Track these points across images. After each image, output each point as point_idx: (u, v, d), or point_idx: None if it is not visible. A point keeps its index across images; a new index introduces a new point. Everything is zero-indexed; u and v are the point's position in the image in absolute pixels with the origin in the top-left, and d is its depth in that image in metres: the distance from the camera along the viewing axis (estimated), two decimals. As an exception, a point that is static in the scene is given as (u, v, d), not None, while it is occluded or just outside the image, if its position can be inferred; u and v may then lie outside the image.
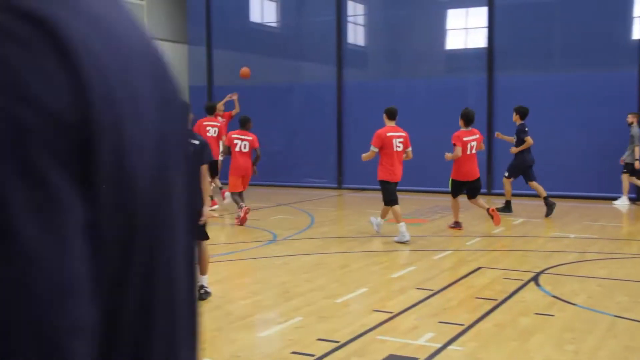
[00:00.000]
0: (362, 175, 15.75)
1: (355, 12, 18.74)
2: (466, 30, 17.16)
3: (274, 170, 18.68)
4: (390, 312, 6.02)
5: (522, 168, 12.33)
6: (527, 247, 9.34)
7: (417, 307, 6.24)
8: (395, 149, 9.81)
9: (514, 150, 12.31)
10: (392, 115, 10.11)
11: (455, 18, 17.46)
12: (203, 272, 6.61)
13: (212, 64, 19.56)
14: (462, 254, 8.92)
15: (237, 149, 11.20)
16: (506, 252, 9.01)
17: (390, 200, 9.80)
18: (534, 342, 5.20)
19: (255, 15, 19.66)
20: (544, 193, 12.27)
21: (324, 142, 17.99)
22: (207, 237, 6.48)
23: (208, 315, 6.05)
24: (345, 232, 10.87)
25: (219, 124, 13.11)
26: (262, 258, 8.70)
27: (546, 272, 7.70)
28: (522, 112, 12.42)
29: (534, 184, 12.38)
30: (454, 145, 10.56)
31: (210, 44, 19.53)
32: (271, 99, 18.73)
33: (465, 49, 17.14)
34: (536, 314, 5.98)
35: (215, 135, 12.93)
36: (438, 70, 17.29)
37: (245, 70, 12.49)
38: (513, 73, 15.98)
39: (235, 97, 13.51)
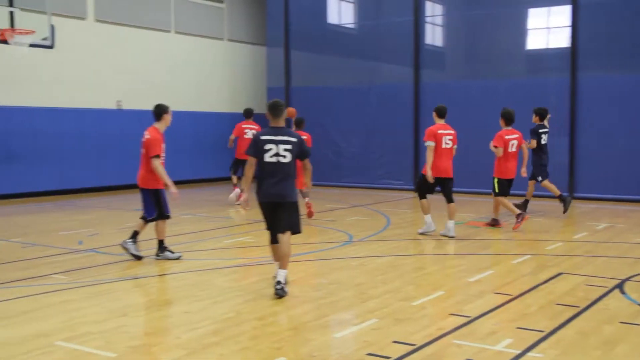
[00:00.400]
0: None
1: (434, 13, 18.56)
2: (548, 29, 16.74)
3: (351, 171, 18.72)
4: (468, 317, 5.93)
5: (542, 166, 12.53)
6: (611, 253, 9.02)
7: (495, 312, 6.13)
8: (444, 146, 10.24)
9: (527, 144, 12.40)
10: (441, 113, 10.47)
11: (536, 17, 17.06)
12: (283, 266, 6.68)
13: (290, 65, 19.75)
14: (542, 259, 8.70)
15: None
16: (589, 258, 8.73)
17: (422, 193, 10.44)
18: (619, 352, 5.02)
19: (332, 17, 19.74)
20: (530, 195, 12.81)
21: (400, 143, 17.90)
22: (299, 231, 6.83)
23: (284, 315, 6.12)
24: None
25: (256, 127, 14.18)
26: (338, 259, 8.73)
27: (632, 279, 7.43)
28: (541, 114, 12.64)
29: (531, 184, 12.74)
30: (495, 147, 10.93)
31: (288, 46, 19.73)
32: (348, 100, 18.77)
33: (547, 49, 16.72)
34: (621, 322, 5.78)
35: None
36: (519, 70, 16.94)
37: (291, 110, 12.84)
38: (597, 73, 15.48)
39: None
